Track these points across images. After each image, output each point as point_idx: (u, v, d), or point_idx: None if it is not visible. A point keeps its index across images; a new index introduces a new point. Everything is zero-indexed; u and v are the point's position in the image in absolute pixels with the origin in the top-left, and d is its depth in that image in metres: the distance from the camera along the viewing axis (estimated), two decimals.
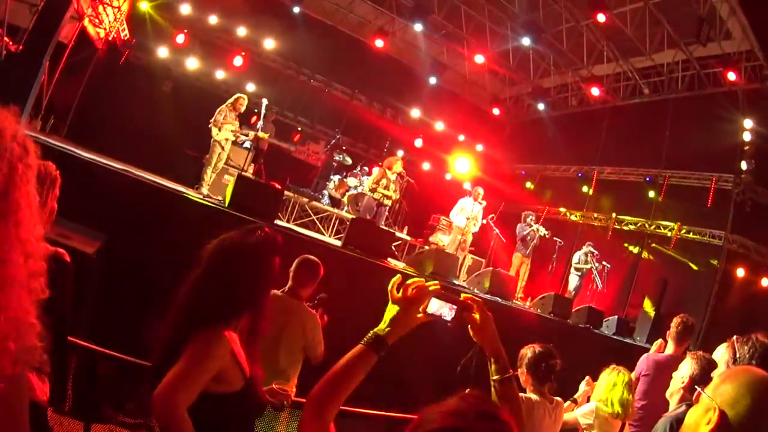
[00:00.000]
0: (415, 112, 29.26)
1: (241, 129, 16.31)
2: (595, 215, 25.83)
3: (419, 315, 2.82)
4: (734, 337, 4.89)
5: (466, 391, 1.77)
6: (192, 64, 24.09)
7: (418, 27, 23.59)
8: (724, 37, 20.10)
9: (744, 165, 20.92)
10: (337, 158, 22.26)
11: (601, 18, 19.33)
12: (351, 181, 20.75)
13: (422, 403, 1.72)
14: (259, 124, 16.42)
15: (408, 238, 21.64)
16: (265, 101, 16.44)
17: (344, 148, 23.68)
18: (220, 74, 25.07)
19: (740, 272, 20.93)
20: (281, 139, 22.61)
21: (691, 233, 22.18)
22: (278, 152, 22.87)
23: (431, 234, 22.53)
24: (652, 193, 23.64)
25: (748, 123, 20.72)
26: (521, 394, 5.22)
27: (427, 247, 19.25)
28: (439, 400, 1.72)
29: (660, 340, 8.74)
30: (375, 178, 18.00)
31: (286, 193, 17.24)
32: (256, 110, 18.06)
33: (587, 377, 7.49)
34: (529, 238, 20.08)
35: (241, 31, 24.76)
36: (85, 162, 10.45)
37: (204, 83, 24.84)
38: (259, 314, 3.84)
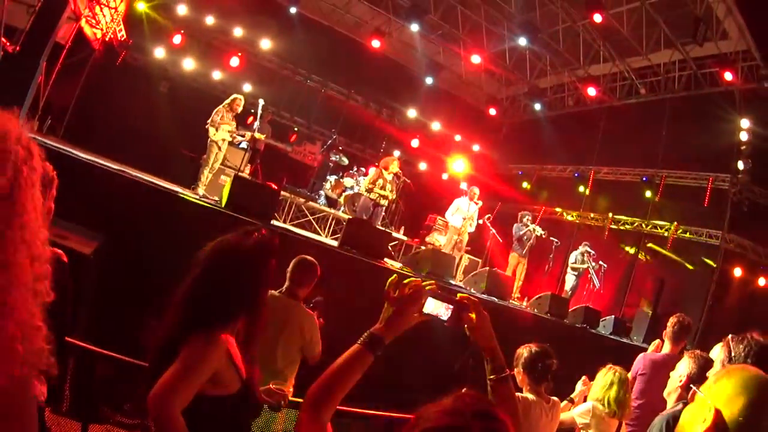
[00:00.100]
0: (412, 113, 29.24)
1: (238, 129, 16.32)
2: (592, 215, 25.88)
3: (416, 315, 2.82)
4: (729, 336, 4.91)
5: (463, 390, 1.78)
6: (189, 64, 24.09)
7: (414, 27, 23.62)
8: (721, 37, 20.13)
9: (741, 165, 20.95)
10: (333, 158, 22.26)
11: (597, 18, 19.37)
12: (347, 181, 20.76)
13: (419, 403, 1.73)
14: (256, 124, 16.43)
15: (404, 238, 21.66)
16: (261, 102, 16.44)
17: (341, 148, 23.70)
18: (216, 75, 25.04)
19: (737, 272, 20.98)
20: (278, 140, 22.61)
21: (688, 233, 22.21)
22: (275, 152, 22.86)
23: (428, 234, 22.54)
24: (648, 193, 23.65)
25: (744, 123, 20.76)
26: (518, 394, 5.25)
27: (423, 248, 19.27)
28: (436, 400, 1.73)
29: (657, 341, 8.75)
30: (371, 179, 18.00)
31: (282, 193, 17.25)
32: (252, 111, 18.12)
33: (584, 377, 7.50)
34: (525, 238, 20.07)
35: (238, 32, 24.74)
36: (82, 162, 10.45)
37: (201, 84, 24.84)
38: (256, 317, 3.85)
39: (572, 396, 7.37)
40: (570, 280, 20.50)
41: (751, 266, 21.17)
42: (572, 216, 26.65)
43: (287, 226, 16.78)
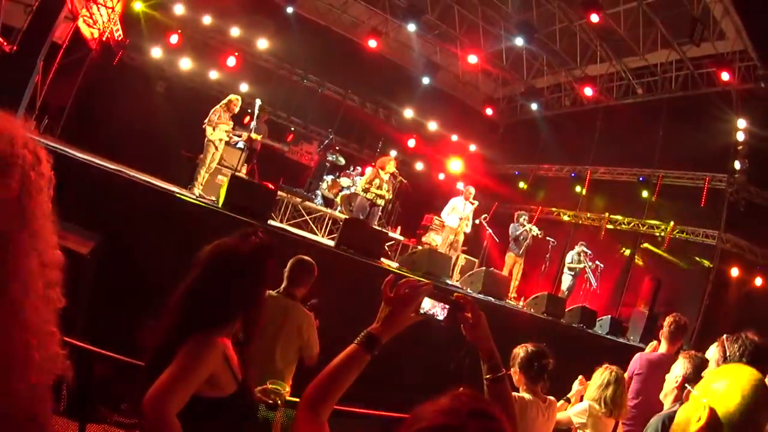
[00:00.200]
0: (408, 112, 29.26)
1: (235, 129, 16.31)
2: (589, 215, 25.88)
3: (412, 314, 2.83)
4: (724, 336, 4.92)
5: (460, 389, 1.78)
6: (185, 64, 24.06)
7: (411, 27, 23.62)
8: (718, 38, 20.18)
9: (737, 165, 20.95)
10: (330, 158, 22.23)
11: (594, 18, 19.39)
12: (344, 181, 20.75)
13: (415, 402, 1.73)
14: (252, 124, 16.45)
15: (401, 238, 21.63)
16: (258, 101, 16.45)
17: (337, 148, 23.63)
18: (213, 74, 24.99)
19: (734, 272, 21.00)
20: (274, 139, 22.60)
21: (685, 233, 22.23)
22: (271, 152, 22.83)
23: (424, 234, 22.56)
24: (645, 193, 23.70)
25: (741, 123, 20.77)
26: (514, 393, 5.25)
27: (420, 247, 19.26)
28: (433, 399, 1.74)
29: (654, 342, 8.76)
30: (368, 178, 18.01)
31: (279, 193, 17.21)
32: (249, 110, 18.08)
33: (580, 376, 7.51)
34: (522, 237, 20.08)
35: (235, 32, 24.71)
36: (79, 162, 10.43)
37: (197, 83, 24.80)
38: (252, 320, 3.86)
39: (569, 396, 7.38)
40: (566, 280, 20.52)
41: (748, 266, 21.20)
42: (569, 216, 26.66)
43: (284, 225, 16.79)
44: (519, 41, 23.06)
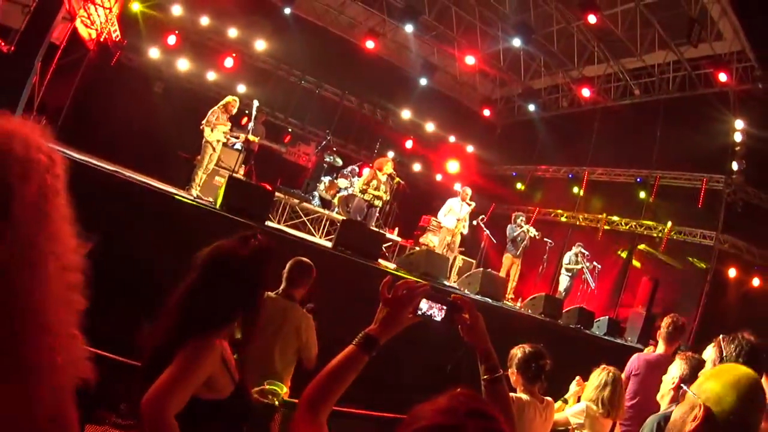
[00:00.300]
0: (406, 113, 29.27)
1: (232, 131, 16.30)
2: (586, 216, 25.87)
3: (410, 315, 2.84)
4: (720, 336, 4.93)
5: (457, 389, 1.79)
6: (183, 65, 24.04)
7: (408, 28, 23.62)
8: (716, 38, 20.18)
9: (735, 165, 21.00)
10: (327, 159, 22.24)
11: (592, 19, 19.40)
12: (341, 182, 20.75)
13: (413, 403, 1.73)
14: (250, 125, 16.44)
15: (398, 239, 21.63)
16: (255, 102, 16.45)
17: (335, 149, 23.65)
18: (211, 75, 24.96)
19: (731, 272, 21.02)
20: (272, 141, 22.59)
21: (682, 234, 22.24)
22: (269, 153, 22.85)
23: (422, 235, 22.55)
24: (642, 194, 23.74)
25: (739, 124, 20.79)
26: (512, 394, 5.25)
27: (417, 248, 19.25)
28: (430, 400, 1.74)
29: (651, 347, 8.79)
30: (365, 180, 17.99)
31: (276, 194, 17.23)
32: (246, 111, 18.06)
33: (578, 377, 7.52)
34: (519, 239, 20.08)
35: (232, 32, 24.70)
36: (77, 163, 10.42)
37: (195, 84, 24.79)
38: (251, 321, 3.86)
39: (566, 396, 7.39)
40: (564, 280, 20.51)
41: (746, 267, 21.22)
42: (566, 217, 26.67)
43: (281, 227, 16.75)
44: (516, 42, 23.02)
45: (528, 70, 27.57)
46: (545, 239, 20.46)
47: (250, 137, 16.58)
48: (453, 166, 28.68)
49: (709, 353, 4.99)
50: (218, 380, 3.58)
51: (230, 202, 11.45)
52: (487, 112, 29.53)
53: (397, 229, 23.01)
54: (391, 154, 25.78)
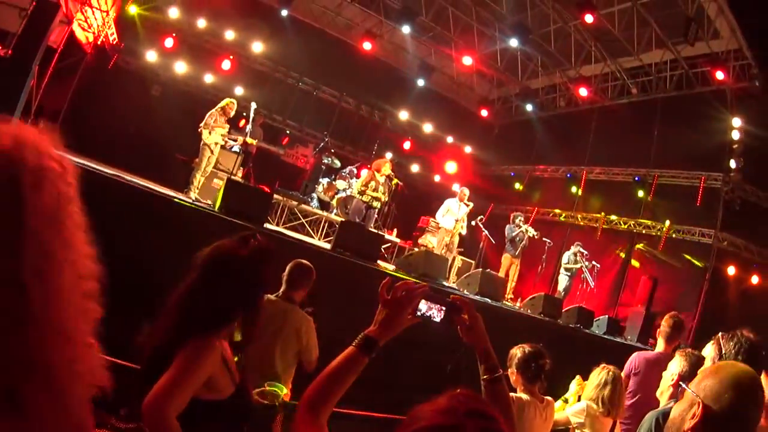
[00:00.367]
0: (404, 114, 29.27)
1: (230, 133, 16.30)
2: (585, 215, 25.88)
3: (409, 316, 2.85)
4: (720, 333, 4.93)
5: (457, 390, 1.79)
6: (180, 68, 24.01)
7: (405, 29, 23.62)
8: (712, 37, 20.18)
9: (733, 163, 21.04)
10: (325, 161, 22.24)
11: (588, 18, 19.41)
12: (340, 183, 20.76)
13: (413, 403, 1.73)
14: (248, 128, 16.42)
15: (397, 240, 21.62)
16: (253, 105, 16.42)
17: (333, 150, 23.65)
18: (208, 78, 24.91)
19: (730, 270, 21.03)
20: (270, 143, 22.58)
21: (681, 232, 22.25)
22: (267, 155, 22.86)
23: (421, 236, 22.54)
24: (641, 193, 23.74)
25: (736, 122, 20.81)
26: (511, 394, 5.26)
27: (416, 249, 19.25)
28: (430, 400, 1.74)
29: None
30: (364, 181, 17.97)
31: (275, 196, 17.21)
32: (244, 114, 18.09)
33: (578, 376, 7.53)
34: (518, 239, 20.09)
35: (230, 35, 24.69)
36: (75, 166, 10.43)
37: (192, 87, 24.78)
38: (251, 322, 3.86)
39: (566, 396, 7.40)
40: (563, 280, 20.52)
41: (744, 264, 21.24)
42: (565, 216, 26.68)
43: (280, 228, 16.76)
44: (513, 42, 23.05)
45: (525, 70, 27.60)
46: (544, 239, 20.45)
47: (248, 140, 16.56)
48: (451, 167, 28.68)
49: (709, 351, 4.99)
50: (219, 381, 3.59)
51: (229, 204, 11.45)
52: (484, 113, 29.52)
53: (395, 230, 23.00)
54: (389, 155, 25.75)
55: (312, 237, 18.79)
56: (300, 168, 25.36)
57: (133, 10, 22.09)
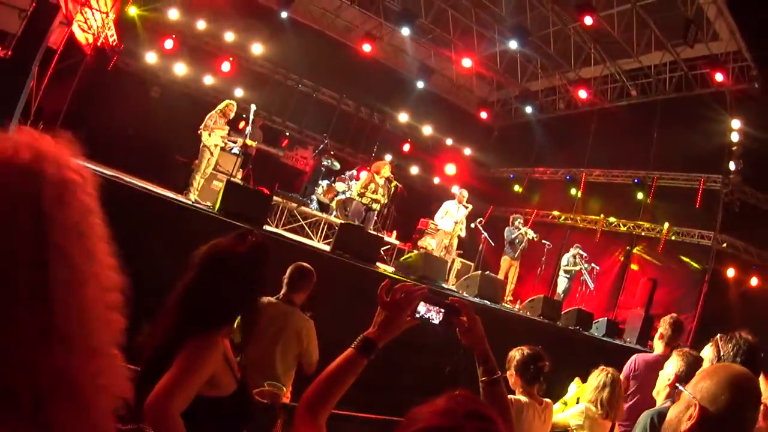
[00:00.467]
0: (403, 117, 29.28)
1: (230, 135, 16.29)
2: (584, 218, 25.88)
3: (408, 318, 2.85)
4: (718, 335, 4.94)
5: (455, 391, 1.79)
6: (180, 69, 24.01)
7: (405, 31, 23.58)
8: (712, 39, 20.21)
9: (732, 165, 21.04)
10: (325, 163, 22.24)
11: (588, 20, 19.40)
12: (339, 185, 20.74)
13: (412, 405, 1.73)
14: (248, 130, 16.39)
15: (396, 242, 21.62)
16: (253, 107, 16.38)
17: (332, 152, 23.64)
18: (208, 80, 24.92)
19: (730, 272, 21.04)
20: (269, 145, 22.58)
21: (680, 234, 22.26)
22: (267, 157, 22.86)
23: (420, 238, 22.54)
24: (640, 195, 23.74)
25: (735, 123, 20.83)
26: (510, 396, 5.27)
27: (415, 251, 19.25)
28: (428, 401, 1.74)
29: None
30: (363, 183, 17.97)
31: (274, 198, 17.20)
32: (244, 116, 18.09)
33: (577, 378, 7.54)
34: (517, 241, 20.09)
35: (229, 36, 24.70)
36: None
37: (192, 89, 24.79)
38: (250, 320, 3.87)
39: (565, 398, 7.40)
40: (562, 282, 20.50)
41: (744, 266, 21.26)
42: (564, 219, 26.68)
43: (279, 231, 16.77)
44: (513, 44, 23.07)
45: (525, 72, 27.60)
46: (543, 241, 20.45)
47: (248, 141, 16.55)
48: (450, 169, 28.72)
49: (707, 353, 4.99)
50: (221, 378, 3.60)
51: (228, 206, 11.45)
52: (484, 115, 29.57)
53: (395, 232, 23.01)
54: (388, 157, 25.70)
55: (311, 239, 18.78)
56: (299, 170, 25.39)
57: (132, 11, 22.05)
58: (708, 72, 20.50)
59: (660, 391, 5.34)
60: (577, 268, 20.12)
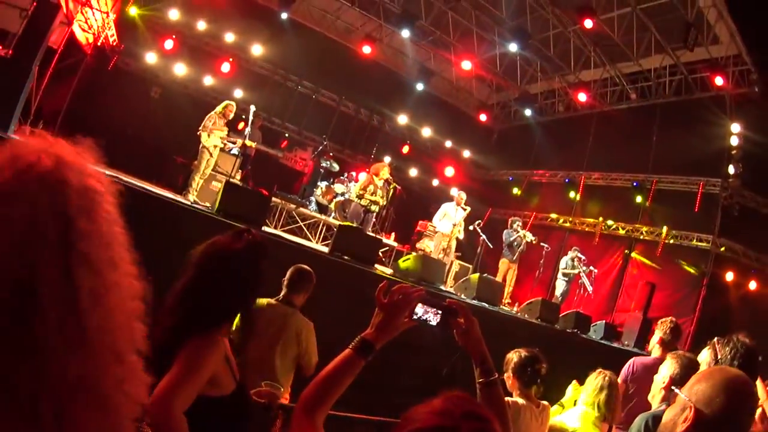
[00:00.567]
0: (402, 119, 29.29)
1: (229, 136, 16.30)
2: (583, 221, 25.89)
3: (405, 320, 2.86)
4: (715, 338, 4.94)
5: (452, 392, 1.80)
6: (180, 70, 24.00)
7: (405, 33, 23.57)
8: (712, 42, 20.24)
9: (731, 169, 21.03)
10: (324, 164, 22.20)
11: (588, 23, 19.41)
12: (338, 187, 20.72)
13: (409, 407, 1.74)
14: (247, 130, 16.38)
15: (395, 244, 21.59)
16: (252, 108, 16.37)
17: (331, 154, 23.62)
18: (208, 80, 24.92)
19: (729, 276, 21.06)
20: (269, 146, 22.58)
21: (679, 237, 22.28)
22: (266, 158, 22.86)
23: (418, 240, 22.54)
24: (639, 198, 23.73)
25: (735, 127, 20.85)
26: (507, 398, 5.28)
27: (414, 253, 19.25)
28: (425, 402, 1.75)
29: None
30: (362, 185, 17.95)
31: (273, 199, 17.18)
32: (243, 116, 18.09)
33: (574, 381, 7.53)
34: (515, 243, 20.07)
35: (229, 37, 24.71)
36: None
37: (192, 89, 24.81)
38: (249, 319, 3.88)
39: (562, 401, 7.41)
40: (560, 285, 20.49)
41: (742, 270, 21.29)
42: (563, 222, 26.69)
43: (278, 232, 16.74)
44: (513, 47, 23.07)
45: (524, 74, 27.61)
46: (542, 244, 20.45)
47: (247, 142, 16.56)
48: (449, 171, 28.75)
49: (705, 356, 5.01)
50: (221, 378, 3.61)
51: (227, 207, 11.43)
52: (483, 117, 29.62)
53: (393, 234, 23.00)
54: (387, 159, 25.64)
55: (310, 240, 18.74)
56: (298, 171, 25.38)
57: (133, 11, 22.04)
58: (708, 75, 20.54)
59: (655, 395, 5.34)
60: (576, 271, 20.12)
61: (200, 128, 15.44)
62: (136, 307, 1.72)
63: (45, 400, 1.45)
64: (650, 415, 4.73)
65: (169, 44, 23.00)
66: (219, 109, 15.88)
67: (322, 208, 21.00)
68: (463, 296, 15.00)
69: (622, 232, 24.39)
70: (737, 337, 4.79)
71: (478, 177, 30.37)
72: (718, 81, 19.75)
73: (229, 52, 24.96)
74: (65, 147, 1.68)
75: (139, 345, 1.72)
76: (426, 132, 29.84)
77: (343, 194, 20.34)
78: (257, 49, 25.17)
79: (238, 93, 24.48)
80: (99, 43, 20.17)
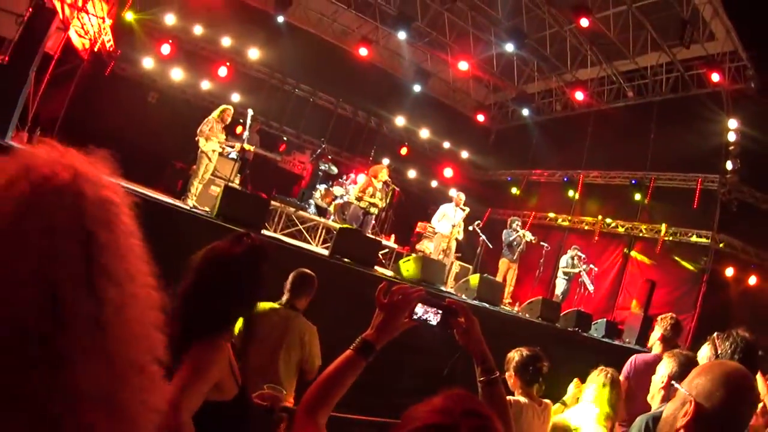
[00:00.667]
0: (400, 120, 29.30)
1: (227, 140, 16.28)
2: (582, 219, 25.89)
3: (405, 320, 2.86)
4: (715, 334, 4.94)
5: (453, 390, 1.80)
6: (177, 74, 24.00)
7: (401, 35, 23.55)
8: (708, 39, 20.26)
9: (729, 165, 21.02)
10: (322, 167, 22.19)
11: (584, 22, 19.43)
12: (337, 190, 20.73)
13: (410, 407, 1.74)
14: (245, 134, 16.38)
15: (394, 246, 21.59)
16: (250, 112, 16.36)
17: (330, 157, 23.60)
18: (205, 85, 24.91)
19: (728, 272, 21.07)
20: (267, 149, 22.57)
21: (678, 234, 22.29)
22: (264, 162, 22.84)
23: (418, 241, 22.53)
24: (638, 196, 23.73)
25: (732, 123, 20.86)
26: (509, 397, 5.28)
27: (414, 255, 19.24)
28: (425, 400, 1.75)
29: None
30: (361, 187, 17.96)
31: (272, 203, 17.20)
32: (241, 121, 18.09)
33: (576, 379, 7.53)
34: (515, 243, 20.07)
35: (226, 41, 24.70)
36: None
37: (189, 94, 24.80)
38: (250, 322, 3.89)
39: (564, 399, 7.40)
40: (561, 284, 20.48)
41: (742, 265, 21.31)
42: (562, 220, 26.70)
43: (278, 235, 16.72)
44: (509, 47, 23.05)
45: (521, 74, 27.61)
46: (541, 243, 20.44)
47: (246, 146, 16.53)
48: (448, 172, 28.76)
49: (705, 351, 5.01)
50: (225, 382, 3.61)
51: (226, 211, 11.43)
52: (481, 118, 29.63)
53: (393, 235, 22.99)
54: (386, 161, 25.63)
55: (310, 243, 18.74)
56: (297, 174, 25.37)
57: (129, 16, 22.00)
58: (704, 72, 20.54)
59: (654, 395, 5.32)
60: (576, 269, 20.12)
61: (198, 133, 15.42)
62: (155, 317, 1.73)
63: (68, 415, 1.45)
64: (650, 416, 4.72)
65: (165, 49, 22.99)
66: (216, 113, 15.86)
67: (322, 211, 20.99)
68: (463, 297, 14.98)
69: (621, 229, 24.40)
70: (737, 331, 4.79)
71: (476, 177, 30.41)
72: (715, 77, 19.77)
73: (225, 56, 24.97)
74: (78, 157, 1.67)
75: (158, 354, 1.72)
76: (424, 133, 29.89)
77: (342, 197, 20.36)
78: (254, 53, 25.17)
79: (236, 97, 24.44)
80: (96, 49, 20.16)
